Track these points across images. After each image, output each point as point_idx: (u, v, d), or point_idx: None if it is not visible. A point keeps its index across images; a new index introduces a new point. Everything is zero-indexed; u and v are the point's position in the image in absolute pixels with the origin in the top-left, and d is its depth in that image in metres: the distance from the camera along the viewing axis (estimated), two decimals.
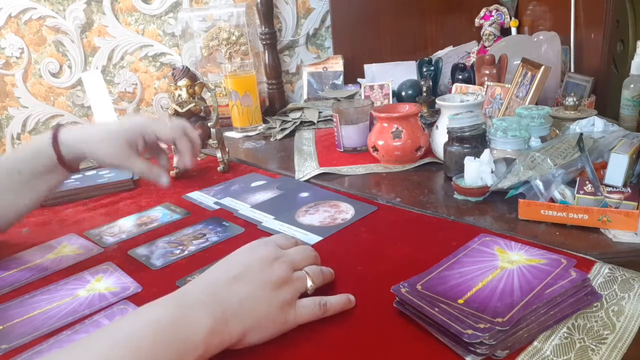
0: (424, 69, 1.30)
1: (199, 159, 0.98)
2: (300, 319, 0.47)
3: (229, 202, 0.82)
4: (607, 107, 1.05)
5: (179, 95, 0.94)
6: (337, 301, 0.49)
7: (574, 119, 0.85)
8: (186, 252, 0.66)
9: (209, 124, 0.96)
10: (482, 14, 1.37)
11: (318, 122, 1.24)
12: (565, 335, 0.44)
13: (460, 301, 0.46)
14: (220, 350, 0.42)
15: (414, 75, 1.32)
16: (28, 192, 0.67)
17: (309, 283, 0.49)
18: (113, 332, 0.39)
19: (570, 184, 0.67)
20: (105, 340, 0.38)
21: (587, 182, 0.65)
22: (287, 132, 1.20)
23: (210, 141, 0.97)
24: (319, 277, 0.51)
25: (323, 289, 0.52)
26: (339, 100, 1.26)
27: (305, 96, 1.44)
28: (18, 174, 0.65)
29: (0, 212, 0.67)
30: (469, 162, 0.73)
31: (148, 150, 0.72)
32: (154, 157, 0.74)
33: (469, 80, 1.16)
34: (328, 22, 1.47)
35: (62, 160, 0.66)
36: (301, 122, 1.25)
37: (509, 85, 0.98)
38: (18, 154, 0.67)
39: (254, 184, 0.90)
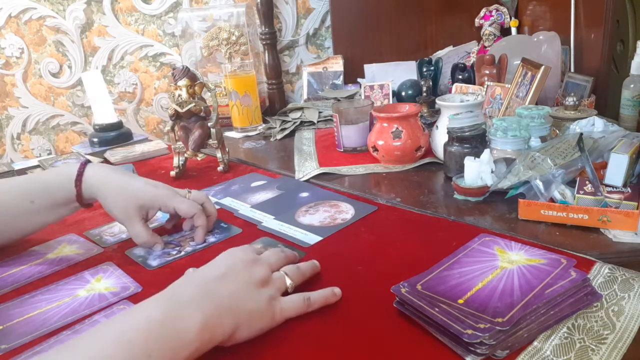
0: (424, 69, 1.30)
1: (198, 158, 0.98)
2: (287, 313, 0.48)
3: (229, 202, 0.82)
4: (607, 107, 1.05)
5: (179, 95, 0.94)
6: (321, 295, 0.51)
7: (574, 119, 0.85)
8: (183, 253, 0.65)
9: (209, 124, 0.96)
10: (482, 14, 1.37)
11: (318, 122, 1.24)
12: (565, 335, 0.44)
13: (460, 301, 0.46)
14: (214, 345, 0.43)
15: (414, 75, 1.32)
16: (37, 219, 0.67)
17: (289, 281, 0.51)
18: (105, 331, 0.39)
19: (570, 184, 0.67)
20: (97, 339, 0.38)
21: (587, 182, 0.65)
22: (287, 132, 1.20)
23: (210, 141, 0.97)
24: (297, 275, 0.53)
25: (320, 286, 0.52)
26: (339, 100, 1.26)
27: (305, 96, 1.44)
28: (30, 203, 0.64)
29: (3, 233, 0.67)
30: (469, 162, 0.73)
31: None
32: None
33: (469, 80, 1.16)
34: (328, 22, 1.47)
35: (81, 197, 0.65)
36: (301, 122, 1.25)
37: (509, 85, 0.98)
38: (36, 183, 0.66)
39: (254, 184, 0.90)
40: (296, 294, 0.50)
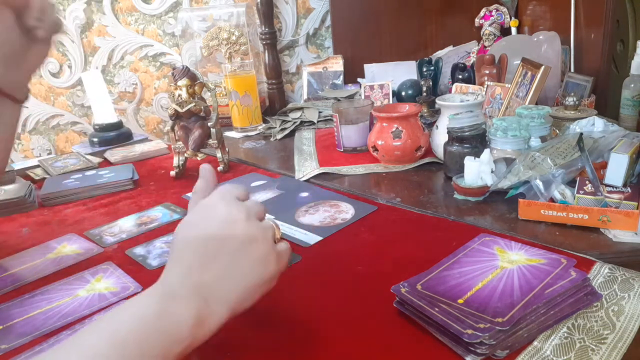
0: (424, 69, 1.30)
1: (198, 158, 0.98)
2: (283, 266, 0.46)
3: None
4: (607, 107, 1.05)
5: (179, 95, 0.94)
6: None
7: (574, 119, 0.85)
8: None
9: (209, 124, 0.96)
10: (482, 13, 1.37)
11: (318, 122, 1.24)
12: (565, 335, 0.44)
13: (460, 301, 0.46)
14: (213, 333, 0.41)
15: (414, 75, 1.32)
16: None
17: (277, 232, 0.47)
18: (99, 331, 0.39)
19: (570, 184, 0.67)
20: (92, 339, 0.38)
21: (587, 182, 0.65)
22: (287, 132, 1.20)
23: (210, 141, 0.97)
24: (277, 226, 0.48)
25: (319, 285, 0.52)
26: (339, 100, 1.26)
27: (305, 96, 1.44)
28: None
29: None
30: (469, 162, 0.73)
31: None
32: None
33: (469, 80, 1.16)
34: (328, 22, 1.47)
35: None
36: (301, 122, 1.25)
37: (509, 85, 0.98)
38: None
39: (254, 184, 0.90)
40: (284, 243, 0.46)
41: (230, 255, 0.43)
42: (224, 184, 0.48)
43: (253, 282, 0.43)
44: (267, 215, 0.48)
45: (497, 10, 1.35)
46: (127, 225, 0.76)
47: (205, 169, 0.50)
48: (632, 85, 0.92)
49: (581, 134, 0.70)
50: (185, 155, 0.97)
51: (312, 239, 0.66)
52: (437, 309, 0.45)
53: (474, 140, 0.78)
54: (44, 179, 1.01)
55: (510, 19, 1.33)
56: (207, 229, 0.44)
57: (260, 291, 0.44)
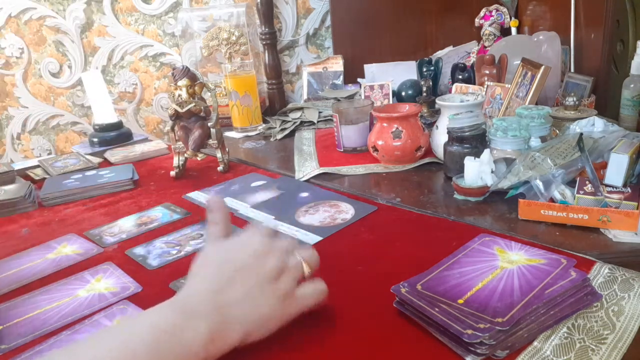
0: (424, 69, 1.30)
1: (198, 158, 0.98)
2: (303, 308, 0.46)
3: (229, 202, 0.82)
4: (607, 107, 1.05)
5: (179, 95, 0.94)
6: (317, 285, 0.48)
7: (574, 119, 0.85)
8: (183, 253, 0.65)
9: (209, 124, 0.96)
10: (482, 14, 1.37)
11: (318, 122, 1.24)
12: (565, 335, 0.44)
13: (460, 301, 0.46)
14: (222, 354, 0.42)
15: (414, 75, 1.32)
16: None
17: (306, 269, 0.48)
18: (110, 338, 0.39)
19: (570, 184, 0.67)
20: (102, 346, 0.38)
21: (587, 182, 0.65)
22: (287, 132, 1.20)
23: (210, 141, 0.97)
24: (314, 260, 0.49)
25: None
26: (339, 100, 1.26)
27: (305, 96, 1.44)
28: None
29: None
30: (469, 162, 0.73)
31: None
32: None
33: (469, 80, 1.16)
34: (328, 22, 1.47)
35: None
36: (301, 122, 1.25)
37: (509, 85, 0.98)
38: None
39: (254, 184, 0.90)
40: (309, 285, 0.47)
41: (255, 285, 0.44)
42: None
43: (270, 314, 0.44)
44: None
45: (497, 10, 1.35)
46: (127, 225, 0.76)
47: (214, 202, 0.51)
48: (632, 86, 0.92)
49: (581, 134, 0.70)
50: (185, 155, 0.97)
51: (312, 239, 0.66)
52: (437, 309, 0.45)
53: (474, 141, 0.78)
54: (44, 179, 1.01)
55: (510, 19, 1.33)
56: (240, 256, 0.45)
57: (276, 325, 0.45)
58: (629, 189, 0.64)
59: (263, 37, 1.39)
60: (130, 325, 0.40)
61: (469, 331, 0.42)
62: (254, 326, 0.43)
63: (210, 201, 0.53)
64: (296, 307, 0.46)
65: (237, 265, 0.45)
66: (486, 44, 1.34)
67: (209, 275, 0.45)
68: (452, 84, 1.18)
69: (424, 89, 1.17)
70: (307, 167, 0.94)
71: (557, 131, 0.85)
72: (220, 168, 0.98)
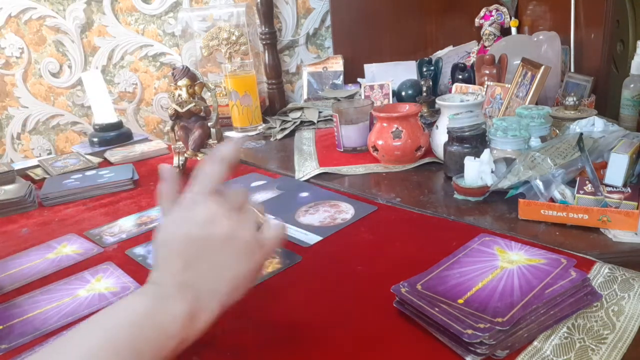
0: (424, 69, 1.30)
1: (198, 158, 0.98)
2: (269, 251, 0.45)
3: None
4: (607, 107, 1.05)
5: (179, 95, 0.94)
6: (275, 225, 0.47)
7: (574, 119, 0.85)
8: None
9: (209, 124, 0.96)
10: (482, 13, 1.37)
11: (318, 122, 1.24)
12: (565, 335, 0.44)
13: (460, 301, 0.46)
14: (206, 328, 0.41)
15: (414, 75, 1.32)
16: None
17: (260, 215, 0.46)
18: (92, 329, 0.39)
19: (570, 184, 0.67)
20: (85, 338, 0.38)
21: (587, 182, 0.65)
22: (287, 132, 1.20)
23: (210, 141, 0.97)
24: (260, 207, 0.48)
25: (319, 286, 0.52)
26: (339, 100, 1.26)
27: (305, 96, 1.44)
28: None
29: None
30: (469, 162, 0.73)
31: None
32: None
33: (469, 80, 1.16)
34: (328, 22, 1.47)
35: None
36: (301, 122, 1.25)
37: (509, 85, 0.98)
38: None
39: (254, 184, 0.90)
40: (267, 225, 0.46)
41: (213, 253, 0.43)
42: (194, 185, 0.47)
43: (239, 273, 0.43)
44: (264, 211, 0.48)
45: (497, 10, 1.35)
46: (127, 225, 0.76)
47: (165, 170, 0.50)
48: (632, 85, 0.92)
49: (581, 134, 0.70)
50: (185, 155, 0.97)
51: (312, 239, 0.66)
52: (437, 309, 0.45)
53: (474, 140, 0.78)
54: (44, 179, 1.01)
55: (510, 19, 1.33)
56: (188, 230, 0.44)
57: (249, 280, 0.44)
58: (629, 189, 0.64)
59: (263, 37, 1.39)
60: (110, 316, 0.40)
61: (469, 331, 0.42)
62: (227, 293, 0.43)
63: (162, 169, 0.50)
64: (262, 253, 0.44)
65: (190, 241, 0.43)
66: (486, 43, 1.34)
67: (169, 258, 0.44)
68: (452, 83, 1.18)
69: (424, 88, 1.17)
70: (307, 167, 0.94)
71: (557, 131, 0.85)
72: None
